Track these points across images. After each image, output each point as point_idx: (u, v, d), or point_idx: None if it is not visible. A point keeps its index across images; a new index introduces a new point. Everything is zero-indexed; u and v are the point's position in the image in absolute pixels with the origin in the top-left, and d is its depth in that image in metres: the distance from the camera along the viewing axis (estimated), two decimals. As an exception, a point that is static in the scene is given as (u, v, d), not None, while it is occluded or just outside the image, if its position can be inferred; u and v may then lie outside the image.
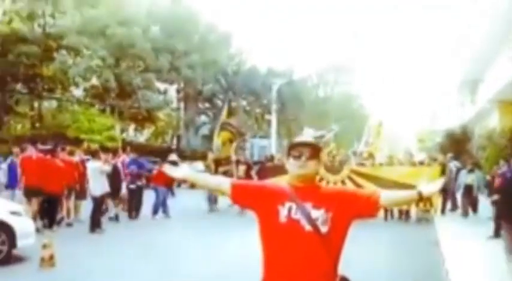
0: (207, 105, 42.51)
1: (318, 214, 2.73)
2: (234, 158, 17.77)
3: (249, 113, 42.30)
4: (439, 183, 2.99)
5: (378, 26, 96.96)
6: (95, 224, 11.95)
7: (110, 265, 8.61)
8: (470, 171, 16.25)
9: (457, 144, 29.20)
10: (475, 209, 15.96)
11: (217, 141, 17.87)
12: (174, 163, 16.72)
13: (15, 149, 13.46)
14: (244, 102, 41.71)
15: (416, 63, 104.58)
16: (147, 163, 17.32)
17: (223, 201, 15.49)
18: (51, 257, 7.94)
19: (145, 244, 10.77)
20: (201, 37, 38.06)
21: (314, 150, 2.84)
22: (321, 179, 14.04)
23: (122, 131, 36.17)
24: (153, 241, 11.16)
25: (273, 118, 37.47)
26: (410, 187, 12.59)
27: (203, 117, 43.24)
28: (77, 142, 27.41)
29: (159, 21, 36.89)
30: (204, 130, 42.74)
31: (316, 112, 41.27)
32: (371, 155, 17.28)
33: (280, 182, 3.02)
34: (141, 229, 13.09)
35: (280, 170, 12.75)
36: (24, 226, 8.71)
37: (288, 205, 2.76)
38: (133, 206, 14.66)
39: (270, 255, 2.81)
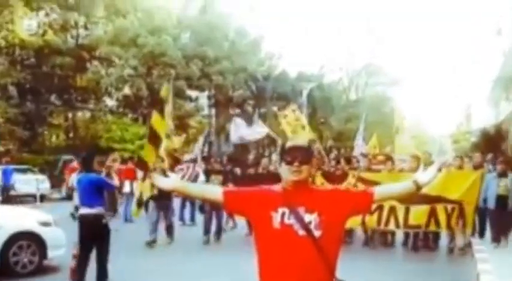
0: (237, 111, 42.29)
1: (311, 218, 2.69)
2: (185, 157, 14.81)
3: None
4: (436, 166, 2.87)
5: (409, 25, 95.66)
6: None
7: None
8: (501, 175, 11.07)
9: (491, 144, 28.33)
10: (507, 232, 11.09)
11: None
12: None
13: None
14: (274, 108, 41.45)
15: (449, 61, 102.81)
16: None
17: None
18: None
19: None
20: (231, 43, 38.03)
21: (307, 154, 2.77)
22: None
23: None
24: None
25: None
26: (444, 201, 10.28)
27: (234, 124, 43.05)
28: (110, 151, 27.57)
29: (189, 29, 37.13)
30: (235, 136, 42.64)
31: (347, 115, 40.92)
32: (389, 158, 13.44)
33: (273, 186, 2.93)
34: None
35: (263, 179, 10.03)
36: (55, 236, 8.77)
37: (280, 210, 2.72)
38: None
39: (265, 262, 2.76)
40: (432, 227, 10.55)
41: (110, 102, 39.23)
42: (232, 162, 18.10)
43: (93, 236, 7.49)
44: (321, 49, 78.89)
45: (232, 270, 8.85)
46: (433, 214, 10.28)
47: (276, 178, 2.93)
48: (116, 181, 8.77)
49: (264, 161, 14.05)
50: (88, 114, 39.54)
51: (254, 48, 39.74)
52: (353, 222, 10.10)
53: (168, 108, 11.85)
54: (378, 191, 2.86)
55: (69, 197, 18.71)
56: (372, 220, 10.62)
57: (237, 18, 39.71)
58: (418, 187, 2.83)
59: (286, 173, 2.76)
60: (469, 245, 10.78)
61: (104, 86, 34.98)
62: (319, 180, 10.92)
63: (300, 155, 2.73)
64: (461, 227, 10.36)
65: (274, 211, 2.72)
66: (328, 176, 11.28)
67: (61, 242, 8.84)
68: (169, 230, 11.94)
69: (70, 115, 38.62)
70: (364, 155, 15.28)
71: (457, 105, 78.86)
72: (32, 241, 8.48)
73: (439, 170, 2.80)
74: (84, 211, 7.51)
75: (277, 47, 62.69)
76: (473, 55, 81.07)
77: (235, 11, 48.90)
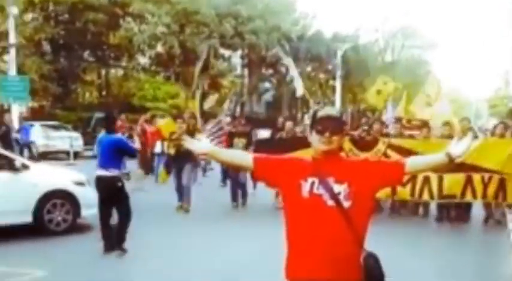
0: (270, 71, 42.33)
1: (340, 188, 2.67)
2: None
3: (313, 79, 41.90)
4: (470, 137, 2.75)
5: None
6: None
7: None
8: None
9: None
10: None
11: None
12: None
13: None
14: (308, 68, 41.18)
15: (488, 26, 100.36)
16: None
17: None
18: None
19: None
20: (265, 2, 37.66)
21: (339, 124, 2.75)
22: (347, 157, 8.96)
23: (187, 98, 36.87)
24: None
25: (338, 84, 36.76)
26: (480, 170, 9.48)
27: (266, 84, 43.29)
28: (143, 110, 27.83)
29: (223, -13, 36.92)
30: (267, 96, 42.71)
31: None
32: (425, 124, 12.55)
33: (304, 156, 2.92)
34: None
35: (288, 144, 10.16)
36: (88, 195, 8.87)
37: (310, 180, 2.71)
38: None
39: (293, 230, 2.77)
40: (468, 197, 9.83)
41: (143, 60, 39.38)
42: (253, 123, 17.57)
43: (109, 198, 7.58)
44: (356, 9, 77.51)
45: (261, 235, 8.74)
46: (469, 182, 9.59)
47: (300, 142, 2.86)
48: (137, 144, 8.75)
49: (288, 124, 12.93)
50: (121, 71, 39.93)
51: (288, 7, 39.40)
52: (383, 193, 9.47)
53: (198, 67, 12.18)
54: (409, 162, 2.80)
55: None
56: (404, 192, 9.97)
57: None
58: (451, 160, 2.71)
59: (317, 142, 2.75)
60: (503, 215, 10.15)
61: (137, 43, 34.93)
62: (347, 146, 10.13)
63: (331, 125, 2.71)
64: (501, 199, 9.65)
65: (303, 180, 2.72)
66: (357, 142, 10.58)
67: (94, 201, 8.92)
68: (183, 192, 11.02)
69: (103, 72, 39.06)
70: (398, 119, 14.00)
71: (496, 70, 76.96)
72: (66, 199, 8.67)
73: (475, 136, 2.64)
74: (100, 172, 7.52)
75: (311, 7, 61.64)
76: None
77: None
